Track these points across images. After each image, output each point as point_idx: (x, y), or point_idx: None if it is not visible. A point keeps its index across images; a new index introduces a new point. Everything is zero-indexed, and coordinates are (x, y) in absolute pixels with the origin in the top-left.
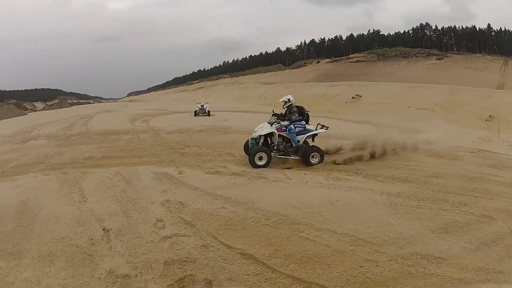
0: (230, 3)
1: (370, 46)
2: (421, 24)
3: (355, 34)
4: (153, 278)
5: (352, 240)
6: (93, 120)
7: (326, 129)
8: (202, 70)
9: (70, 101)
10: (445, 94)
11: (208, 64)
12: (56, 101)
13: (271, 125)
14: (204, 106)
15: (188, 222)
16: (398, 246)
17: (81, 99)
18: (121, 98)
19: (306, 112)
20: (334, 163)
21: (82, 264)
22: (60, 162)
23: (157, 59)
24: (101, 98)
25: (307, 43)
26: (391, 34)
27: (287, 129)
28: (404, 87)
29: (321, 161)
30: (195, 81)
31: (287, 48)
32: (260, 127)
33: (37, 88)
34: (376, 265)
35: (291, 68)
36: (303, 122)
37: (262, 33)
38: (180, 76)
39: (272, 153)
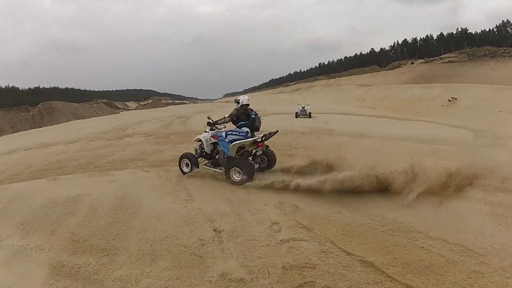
0: (320, 4)
1: (459, 45)
2: (502, 21)
3: (444, 33)
4: (270, 283)
5: (462, 250)
6: (191, 120)
7: (265, 137)
8: (298, 71)
9: (164, 101)
10: None
11: (303, 65)
12: (150, 101)
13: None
14: (305, 108)
15: (305, 226)
16: (500, 257)
17: (176, 100)
18: (217, 99)
19: (253, 116)
20: None
21: (190, 265)
22: (161, 159)
23: (252, 61)
24: (196, 99)
25: (400, 43)
26: (478, 32)
27: (217, 136)
28: (495, 89)
29: (248, 180)
30: (292, 83)
31: (381, 49)
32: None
33: (129, 89)
34: (482, 277)
35: (387, 70)
36: (245, 129)
37: (355, 33)
38: (276, 77)
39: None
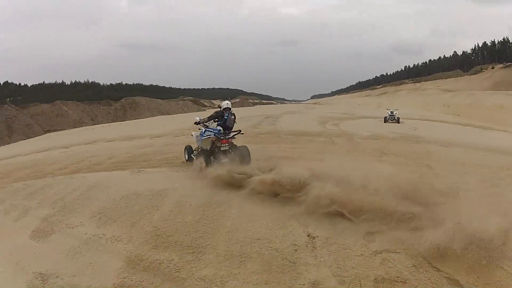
0: (400, 4)
1: None
2: None
3: None
4: None
5: None
6: (280, 120)
7: (227, 135)
8: (385, 74)
9: (251, 100)
10: None
11: (388, 68)
12: (237, 100)
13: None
14: (394, 113)
15: (398, 237)
16: None
17: (263, 100)
18: (304, 100)
19: (225, 117)
20: None
21: (281, 270)
22: (253, 158)
23: (338, 63)
24: (283, 99)
25: (480, 46)
26: None
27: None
28: None
29: (206, 165)
30: (379, 86)
31: (463, 52)
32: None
33: (216, 87)
34: None
35: (469, 74)
36: (218, 128)
37: (436, 35)
38: (363, 80)
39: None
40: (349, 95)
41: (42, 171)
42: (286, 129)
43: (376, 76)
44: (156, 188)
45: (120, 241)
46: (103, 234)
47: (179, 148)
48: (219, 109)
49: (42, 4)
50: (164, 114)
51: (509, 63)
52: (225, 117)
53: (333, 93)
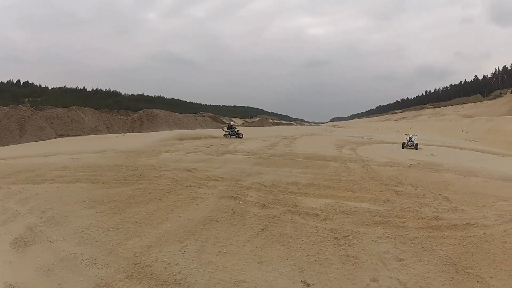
0: (424, 28)
1: None
2: None
3: None
4: None
5: None
6: (297, 142)
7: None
8: (406, 99)
9: (271, 120)
10: None
11: (410, 92)
12: (257, 119)
13: (232, 128)
14: (413, 139)
15: None
16: None
17: (283, 120)
18: (324, 123)
19: (233, 127)
20: None
21: None
22: (259, 182)
23: (362, 85)
24: (303, 120)
25: (500, 70)
26: None
27: (231, 130)
28: None
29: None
30: (399, 111)
31: (484, 77)
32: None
33: (237, 105)
34: None
35: (489, 99)
36: (234, 130)
37: (461, 59)
38: (384, 104)
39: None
40: (368, 119)
41: (43, 176)
42: (301, 152)
43: (397, 101)
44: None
45: (95, 264)
46: (81, 253)
47: (186, 166)
48: (232, 124)
49: (79, 11)
50: (181, 128)
51: None
52: (233, 128)
53: (353, 117)
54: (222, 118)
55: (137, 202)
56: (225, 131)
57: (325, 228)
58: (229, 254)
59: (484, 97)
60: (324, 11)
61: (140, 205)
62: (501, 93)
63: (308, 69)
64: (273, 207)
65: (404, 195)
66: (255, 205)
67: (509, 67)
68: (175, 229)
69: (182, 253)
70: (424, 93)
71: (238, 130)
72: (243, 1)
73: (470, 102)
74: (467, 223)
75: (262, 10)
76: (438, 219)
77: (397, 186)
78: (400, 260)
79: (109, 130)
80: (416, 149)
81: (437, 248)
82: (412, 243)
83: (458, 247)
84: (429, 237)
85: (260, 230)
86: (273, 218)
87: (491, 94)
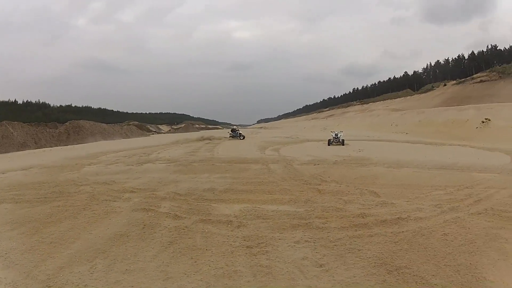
0: (354, 28)
1: (490, 64)
2: None
3: (475, 51)
4: None
5: None
6: (220, 146)
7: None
8: (332, 97)
9: (197, 126)
10: None
11: (338, 91)
12: (183, 125)
13: (235, 131)
14: (338, 135)
15: None
16: None
17: (209, 125)
18: (250, 125)
19: (236, 130)
20: None
21: None
22: (175, 191)
23: (288, 88)
24: (230, 124)
25: (432, 65)
26: (506, 48)
27: (234, 133)
28: None
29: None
30: (326, 109)
31: (414, 72)
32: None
33: (163, 112)
34: None
35: (420, 93)
36: (237, 132)
37: (389, 57)
38: (311, 103)
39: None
40: (295, 118)
41: None
42: (223, 156)
43: (323, 99)
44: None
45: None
46: (5, 278)
47: (105, 179)
48: (235, 127)
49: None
50: (107, 139)
51: (462, 79)
52: (236, 130)
53: (280, 117)
54: (148, 126)
55: (53, 221)
56: (230, 133)
57: (237, 236)
58: (136, 271)
59: (414, 91)
60: (251, 15)
61: (56, 223)
62: (433, 87)
63: (234, 72)
64: (185, 217)
65: (327, 194)
66: (167, 216)
67: (442, 62)
68: (86, 247)
69: (91, 273)
70: (351, 91)
71: (240, 133)
72: (171, 5)
73: (400, 96)
74: (398, 218)
75: (190, 15)
76: (364, 216)
77: (319, 184)
78: (321, 266)
79: (37, 144)
80: (343, 145)
81: (364, 248)
82: (335, 245)
83: (389, 244)
84: (354, 236)
85: (169, 243)
86: (183, 229)
87: (422, 88)
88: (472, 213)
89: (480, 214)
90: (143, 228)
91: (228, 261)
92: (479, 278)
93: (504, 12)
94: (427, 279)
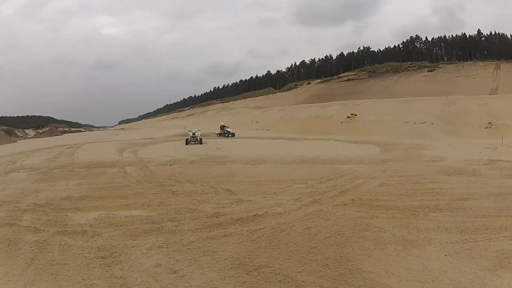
0: (221, 28)
1: (361, 64)
2: (411, 37)
3: (345, 53)
4: None
5: None
6: (80, 150)
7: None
8: (193, 96)
9: (61, 129)
10: (441, 106)
11: (200, 90)
12: (47, 128)
13: (223, 129)
14: (196, 134)
15: None
16: None
17: (72, 127)
18: (112, 126)
19: (225, 127)
20: None
21: None
22: (35, 202)
23: (149, 87)
24: (92, 126)
25: (297, 64)
26: (381, 50)
27: (224, 131)
28: (398, 102)
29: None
30: (186, 108)
31: (278, 71)
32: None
33: (29, 115)
34: None
35: (282, 91)
36: (226, 130)
37: (254, 57)
38: (171, 103)
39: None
40: (156, 118)
41: None
42: (82, 160)
43: (184, 98)
44: None
45: None
46: None
47: None
48: (222, 125)
49: None
50: None
51: (327, 78)
52: (225, 128)
53: (141, 118)
54: (16, 132)
55: None
56: (219, 130)
57: (92, 247)
58: None
59: (277, 90)
60: (121, 10)
61: None
62: (296, 85)
63: (98, 71)
64: (44, 230)
65: (180, 195)
66: (28, 230)
67: (307, 62)
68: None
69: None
70: (212, 90)
71: (229, 131)
72: None
73: (261, 95)
74: (255, 215)
75: (63, 9)
76: (218, 216)
77: (174, 185)
78: (175, 272)
79: None
80: (201, 143)
81: (219, 249)
82: (188, 249)
83: (246, 243)
84: (208, 238)
85: (31, 259)
86: (43, 243)
87: (285, 86)
88: (337, 205)
89: (346, 205)
90: (9, 244)
91: (84, 275)
92: (353, 270)
93: (383, 17)
94: (292, 276)
